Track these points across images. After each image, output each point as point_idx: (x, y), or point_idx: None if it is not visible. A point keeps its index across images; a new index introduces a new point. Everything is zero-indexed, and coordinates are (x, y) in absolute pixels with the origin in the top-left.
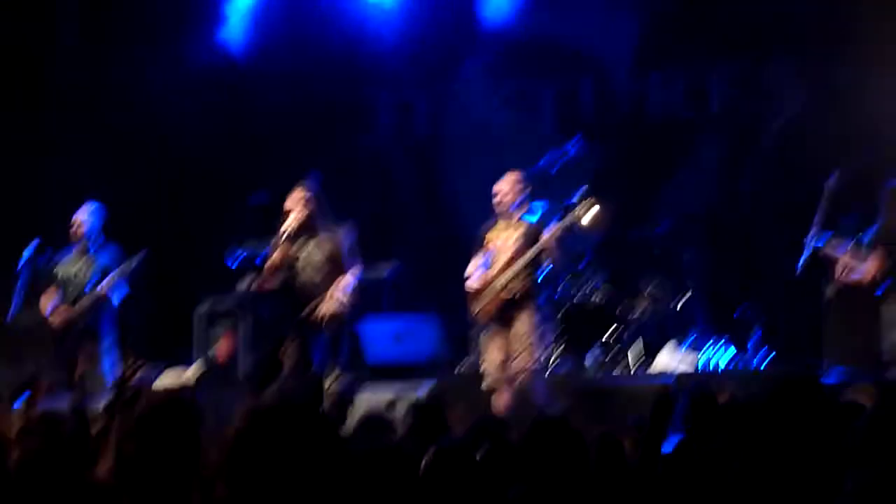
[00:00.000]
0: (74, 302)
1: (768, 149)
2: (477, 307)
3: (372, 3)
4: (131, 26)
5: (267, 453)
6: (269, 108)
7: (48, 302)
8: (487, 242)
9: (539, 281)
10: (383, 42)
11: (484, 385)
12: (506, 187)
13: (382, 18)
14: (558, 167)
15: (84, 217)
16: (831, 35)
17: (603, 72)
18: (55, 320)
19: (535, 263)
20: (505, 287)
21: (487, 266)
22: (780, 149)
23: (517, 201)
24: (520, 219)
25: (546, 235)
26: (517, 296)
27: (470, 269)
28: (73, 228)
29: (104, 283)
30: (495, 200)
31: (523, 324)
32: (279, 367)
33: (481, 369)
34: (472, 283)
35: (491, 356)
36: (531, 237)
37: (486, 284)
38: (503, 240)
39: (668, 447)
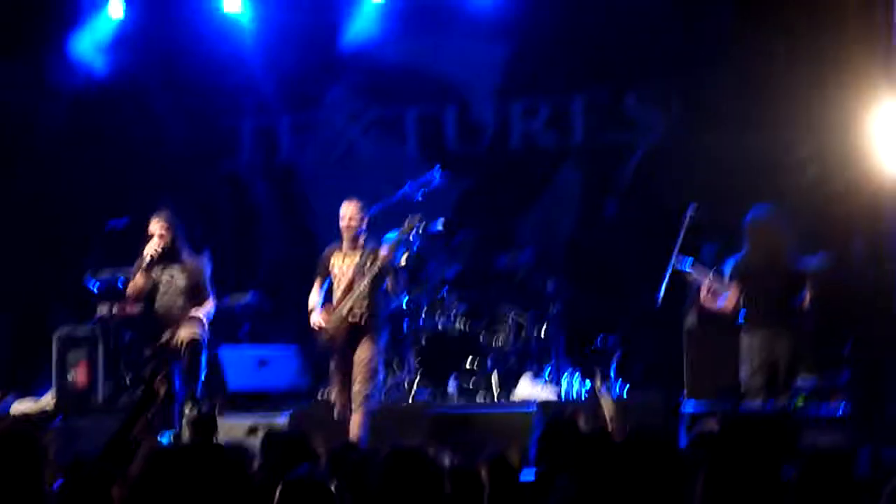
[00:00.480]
0: None
1: (629, 178)
2: (324, 335)
3: (236, 28)
4: None
5: (169, 495)
6: (131, 130)
7: None
8: (330, 267)
9: (387, 306)
10: (246, 67)
11: (335, 414)
12: (353, 211)
13: (245, 43)
14: (421, 195)
15: None
16: (694, 64)
17: (466, 100)
18: None
19: (376, 288)
20: (350, 312)
21: (325, 294)
22: (641, 177)
23: (362, 228)
24: (363, 245)
25: (382, 254)
26: (363, 320)
27: (312, 299)
28: None
29: None
30: (343, 224)
31: (365, 350)
32: (154, 396)
33: (331, 397)
34: (316, 319)
35: (337, 384)
36: (372, 261)
37: (331, 312)
38: (346, 265)
39: (527, 476)
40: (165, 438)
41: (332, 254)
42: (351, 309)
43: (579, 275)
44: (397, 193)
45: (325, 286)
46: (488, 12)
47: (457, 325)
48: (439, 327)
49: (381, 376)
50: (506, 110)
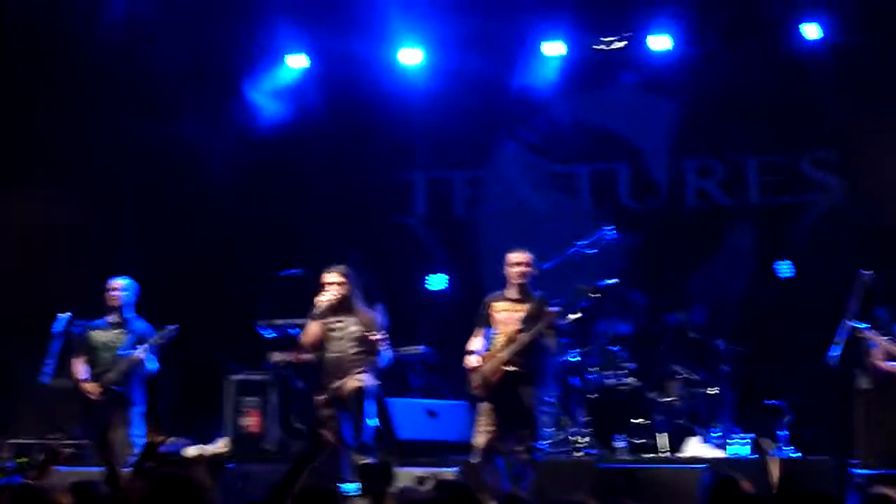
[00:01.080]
0: (108, 368)
1: (803, 239)
2: (477, 380)
3: (413, 81)
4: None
5: None
6: (306, 180)
7: (80, 367)
8: (494, 313)
9: (547, 360)
10: (421, 122)
11: (472, 460)
12: (525, 260)
13: (421, 96)
14: (595, 251)
15: (118, 289)
16: (871, 129)
17: (640, 156)
18: (88, 386)
19: (539, 341)
20: (509, 361)
21: (488, 340)
22: (815, 239)
23: (531, 277)
24: (530, 296)
25: (551, 310)
26: (523, 369)
27: (472, 344)
28: (108, 299)
29: (138, 350)
30: (514, 271)
31: (527, 400)
32: (320, 446)
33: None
34: (473, 360)
35: (485, 432)
36: (539, 314)
37: (489, 358)
38: (510, 314)
39: None
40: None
41: (494, 301)
42: (511, 359)
43: (751, 335)
44: (569, 250)
45: (488, 334)
46: (663, 69)
47: (627, 381)
48: (609, 383)
49: (541, 430)
50: (680, 168)
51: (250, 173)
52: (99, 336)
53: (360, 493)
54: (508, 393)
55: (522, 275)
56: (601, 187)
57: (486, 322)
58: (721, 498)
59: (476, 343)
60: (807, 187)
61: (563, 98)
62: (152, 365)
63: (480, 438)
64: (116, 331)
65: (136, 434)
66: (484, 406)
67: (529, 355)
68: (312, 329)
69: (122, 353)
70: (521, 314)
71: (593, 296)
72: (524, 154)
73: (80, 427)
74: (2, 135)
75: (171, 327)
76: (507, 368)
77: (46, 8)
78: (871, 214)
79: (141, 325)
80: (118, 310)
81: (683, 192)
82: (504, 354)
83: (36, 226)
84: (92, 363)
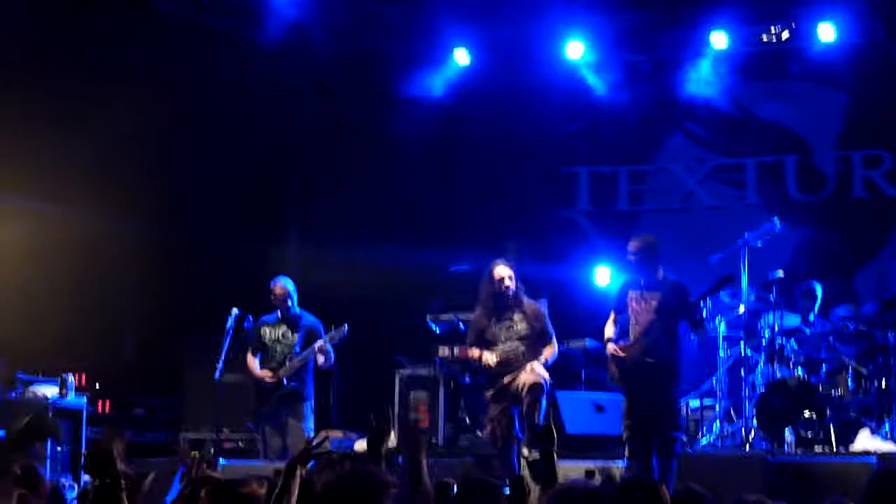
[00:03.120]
0: (281, 363)
1: None
2: (616, 370)
3: (578, 75)
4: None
5: None
6: (472, 176)
7: (253, 362)
8: (628, 301)
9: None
10: (586, 115)
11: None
12: (639, 245)
13: (586, 92)
14: (760, 243)
15: (282, 286)
16: None
17: (807, 148)
18: (263, 372)
19: (672, 328)
20: (647, 352)
21: (624, 329)
22: None
23: (654, 266)
24: (663, 279)
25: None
26: (658, 361)
27: (607, 331)
28: (274, 294)
29: (316, 345)
30: (630, 257)
31: (665, 393)
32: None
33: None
34: (612, 348)
35: (624, 427)
36: (668, 300)
37: (626, 349)
38: (644, 302)
39: None
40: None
41: (627, 288)
42: (647, 348)
43: None
44: (736, 242)
45: (621, 320)
46: (828, 60)
47: (796, 375)
48: (777, 377)
49: (682, 421)
50: (847, 159)
51: (417, 169)
52: (270, 331)
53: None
54: (651, 386)
55: (638, 260)
56: (768, 179)
57: (620, 307)
58: (883, 490)
59: (609, 329)
60: None
61: (730, 90)
62: (328, 360)
63: (624, 434)
64: (286, 326)
65: (309, 427)
66: (624, 400)
67: (667, 346)
68: (482, 325)
69: (296, 349)
70: (655, 303)
71: (723, 285)
72: (689, 148)
73: (253, 421)
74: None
75: (343, 327)
76: (646, 360)
77: None
78: None
79: (310, 318)
80: (284, 306)
81: (850, 183)
82: (640, 344)
83: (203, 225)
84: (263, 357)
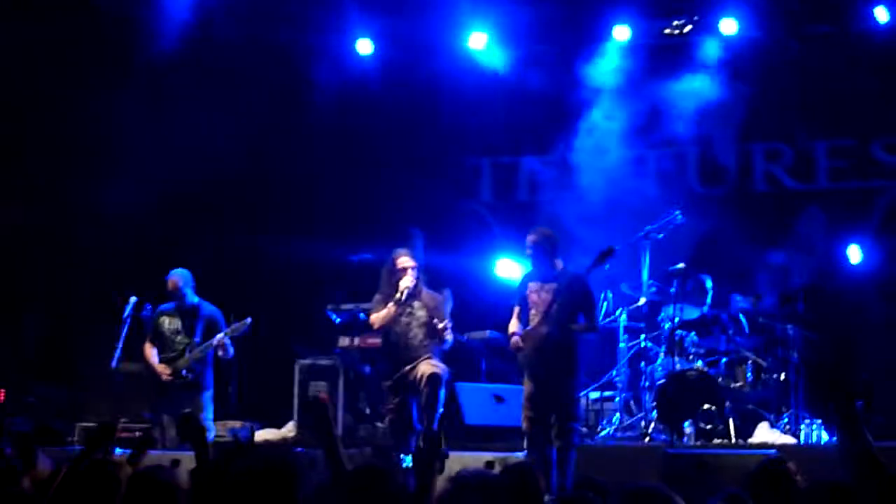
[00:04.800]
0: (178, 353)
1: (874, 225)
2: (522, 353)
3: (479, 70)
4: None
5: None
6: (372, 167)
7: (151, 352)
8: (528, 293)
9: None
10: (488, 107)
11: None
12: (537, 237)
13: (489, 83)
14: (664, 234)
15: (177, 278)
16: None
17: (708, 141)
18: (160, 367)
19: (572, 315)
20: (545, 341)
21: (526, 322)
22: (887, 225)
23: (550, 252)
24: (562, 270)
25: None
26: (558, 346)
27: (511, 325)
28: (170, 287)
29: (216, 339)
30: (529, 249)
31: (565, 382)
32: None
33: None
34: (515, 340)
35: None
36: (569, 287)
37: (528, 337)
38: (545, 292)
39: None
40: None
41: (527, 280)
42: (545, 336)
43: (820, 321)
44: (638, 234)
45: (523, 314)
46: (730, 53)
47: (695, 367)
48: (677, 369)
49: (581, 412)
50: (748, 152)
51: (318, 159)
52: (168, 321)
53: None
54: (551, 373)
55: (537, 252)
56: (670, 171)
57: (522, 301)
58: (766, 481)
59: (514, 323)
60: (877, 172)
61: (632, 83)
62: (229, 352)
63: (523, 424)
64: (184, 316)
65: (208, 418)
66: (523, 391)
67: (565, 337)
68: (387, 312)
69: (197, 339)
70: (553, 294)
71: (606, 258)
72: (592, 139)
73: (151, 410)
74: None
75: (245, 321)
76: (544, 349)
77: None
78: None
79: (209, 308)
80: (181, 298)
81: (752, 176)
82: (541, 328)
83: (104, 215)
84: (161, 347)
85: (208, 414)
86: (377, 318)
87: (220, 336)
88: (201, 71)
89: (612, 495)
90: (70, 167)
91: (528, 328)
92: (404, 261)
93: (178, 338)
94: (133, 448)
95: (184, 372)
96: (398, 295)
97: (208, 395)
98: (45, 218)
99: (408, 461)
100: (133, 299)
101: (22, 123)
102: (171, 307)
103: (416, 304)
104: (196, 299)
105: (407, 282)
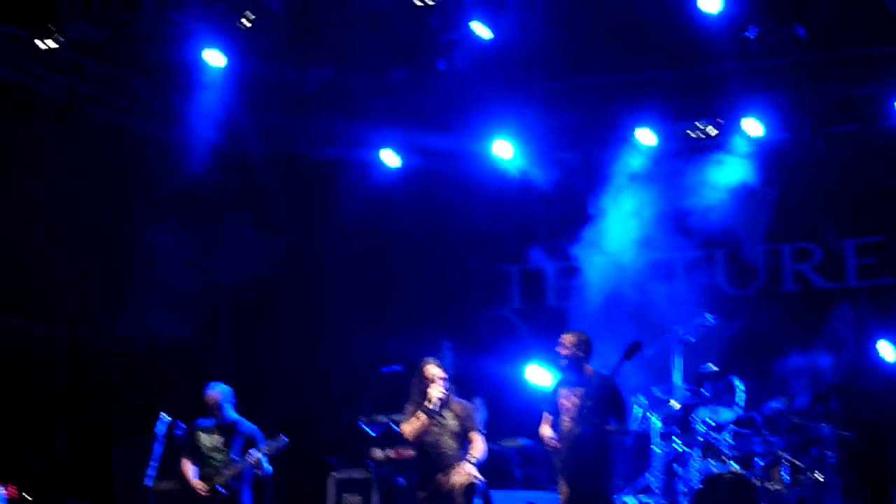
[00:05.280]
0: (215, 470)
1: None
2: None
3: (507, 175)
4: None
5: None
6: (401, 276)
7: (189, 468)
8: (560, 399)
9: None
10: (516, 213)
11: None
12: (570, 340)
13: (515, 191)
14: (694, 337)
15: (216, 394)
16: None
17: (736, 241)
18: (198, 483)
19: (604, 416)
20: (579, 443)
21: (557, 428)
22: None
23: (582, 357)
24: (592, 373)
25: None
26: (590, 456)
27: (544, 431)
28: (209, 402)
29: (252, 458)
30: (561, 353)
31: (599, 486)
32: None
33: None
34: (550, 440)
35: None
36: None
37: (562, 441)
38: (574, 396)
39: None
40: None
41: (559, 387)
42: (581, 434)
43: (855, 420)
44: (667, 335)
45: (555, 421)
46: (757, 155)
47: (731, 469)
48: (713, 472)
49: None
50: (777, 252)
51: (346, 271)
52: (206, 438)
53: None
54: (580, 479)
55: (573, 356)
56: (698, 273)
57: (553, 409)
58: None
59: (546, 430)
60: None
61: (657, 185)
62: (266, 468)
63: None
64: (222, 433)
65: None
66: (560, 496)
67: (598, 440)
68: (419, 423)
69: (234, 456)
70: (584, 398)
71: (633, 353)
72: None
73: None
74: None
75: (280, 439)
76: (578, 453)
77: None
78: None
79: (248, 425)
80: (219, 414)
81: (781, 276)
82: (573, 430)
83: (137, 338)
84: (199, 464)
85: None
86: (410, 429)
87: (255, 455)
88: (231, 189)
89: None
90: (104, 288)
91: (563, 432)
92: (433, 370)
93: (216, 455)
94: None
95: (220, 488)
96: (429, 405)
97: None
98: (82, 338)
99: None
100: (167, 417)
101: (55, 242)
102: (209, 424)
103: (447, 413)
104: (235, 416)
105: (436, 391)
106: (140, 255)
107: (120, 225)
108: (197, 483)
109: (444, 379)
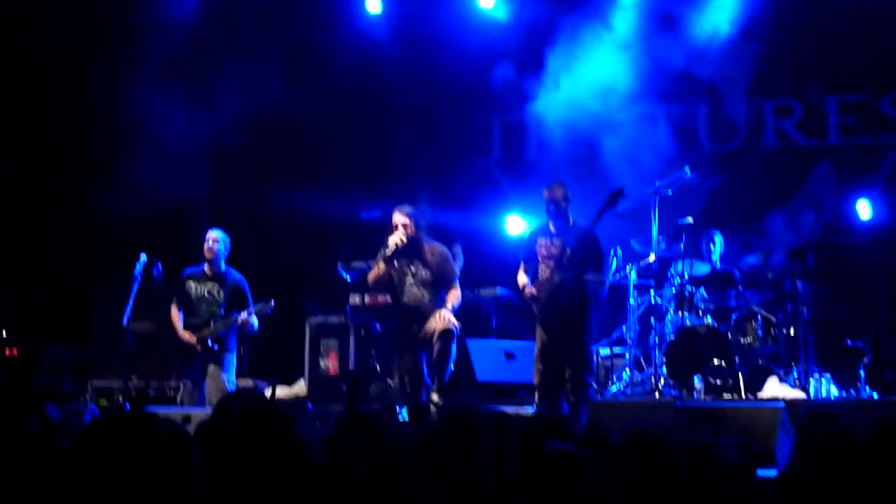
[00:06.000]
0: (206, 320)
1: (883, 180)
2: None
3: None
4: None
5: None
6: (382, 125)
7: (178, 316)
8: (537, 248)
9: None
10: (496, 63)
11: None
12: (560, 193)
13: (497, 40)
14: (673, 191)
15: (215, 240)
16: None
17: (719, 97)
18: (187, 335)
19: (583, 266)
20: (559, 290)
21: (535, 276)
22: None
23: (563, 208)
24: (573, 224)
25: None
26: (570, 307)
27: (520, 278)
28: (206, 252)
29: (240, 317)
30: (548, 203)
31: (577, 337)
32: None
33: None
34: (531, 290)
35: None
36: (580, 240)
37: (542, 286)
38: (554, 244)
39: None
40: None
41: (536, 236)
42: (561, 281)
43: (830, 276)
44: (648, 190)
45: (531, 269)
46: (742, 9)
47: (705, 323)
48: (687, 325)
49: (594, 367)
50: (759, 108)
51: (328, 118)
52: (196, 286)
53: None
54: (558, 329)
55: (555, 207)
56: (680, 128)
57: (529, 257)
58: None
59: (522, 277)
60: (887, 127)
61: (642, 39)
62: (253, 326)
63: (535, 378)
64: (212, 283)
65: (230, 380)
66: (536, 344)
67: (578, 291)
68: (379, 269)
69: (222, 309)
70: (565, 248)
71: (616, 200)
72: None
73: (177, 373)
74: None
75: (269, 302)
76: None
77: None
78: None
79: (235, 275)
80: (213, 262)
81: (762, 132)
82: (554, 277)
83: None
84: (187, 312)
85: (230, 376)
86: (370, 276)
87: (243, 315)
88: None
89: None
90: (88, 135)
91: (541, 279)
92: (396, 217)
93: (205, 305)
94: (132, 403)
95: (210, 342)
96: (387, 251)
97: (231, 357)
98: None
99: (403, 413)
100: (143, 257)
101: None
102: (198, 271)
103: (418, 262)
104: (224, 266)
105: (394, 238)
106: (124, 104)
107: (109, 75)
108: (185, 334)
109: (405, 226)
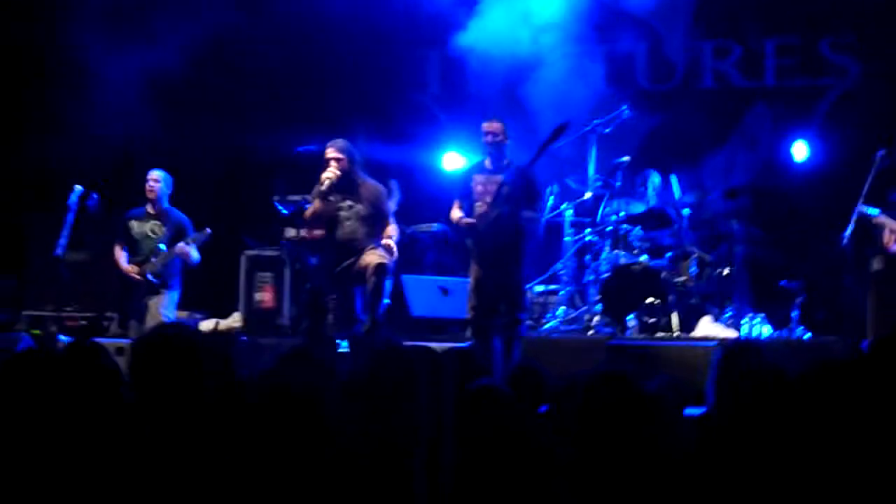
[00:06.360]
0: (146, 258)
1: (819, 122)
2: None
3: None
4: None
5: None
6: (319, 58)
7: (121, 255)
8: (473, 185)
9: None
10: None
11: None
12: (498, 128)
13: None
14: (611, 129)
15: (157, 180)
16: (892, 11)
17: (657, 37)
18: (130, 268)
19: (518, 214)
20: (494, 225)
21: (469, 213)
22: (831, 122)
23: (506, 144)
24: (508, 163)
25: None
26: (504, 242)
27: (454, 213)
28: (147, 191)
29: (177, 248)
30: (487, 140)
31: (512, 273)
32: (323, 314)
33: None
34: (466, 220)
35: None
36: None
37: (478, 218)
38: (491, 182)
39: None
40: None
41: (472, 172)
42: (497, 215)
43: (765, 216)
44: (584, 127)
45: (466, 206)
46: None
47: (640, 261)
48: (622, 263)
49: (528, 304)
50: (697, 49)
51: (264, 49)
52: (137, 225)
53: None
54: (492, 265)
55: (496, 143)
56: (618, 68)
57: (465, 192)
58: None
59: (456, 212)
60: (824, 70)
61: None
62: (193, 258)
63: (469, 313)
64: (154, 222)
65: (169, 316)
66: (471, 278)
67: (513, 227)
68: (315, 206)
69: (164, 245)
70: (501, 186)
71: (560, 134)
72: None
73: (119, 308)
74: None
75: (206, 231)
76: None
77: None
78: (887, 98)
79: (178, 214)
80: (155, 201)
81: (700, 73)
82: (490, 214)
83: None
84: (131, 251)
85: (170, 312)
86: (307, 211)
87: (181, 245)
88: None
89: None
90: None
91: (477, 216)
92: (329, 152)
93: (147, 243)
94: (77, 336)
95: (150, 276)
96: (321, 187)
97: (173, 294)
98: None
99: (344, 345)
100: (79, 188)
101: None
102: (140, 212)
103: (354, 197)
104: (166, 204)
105: (327, 173)
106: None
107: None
108: (129, 268)
109: (338, 160)
